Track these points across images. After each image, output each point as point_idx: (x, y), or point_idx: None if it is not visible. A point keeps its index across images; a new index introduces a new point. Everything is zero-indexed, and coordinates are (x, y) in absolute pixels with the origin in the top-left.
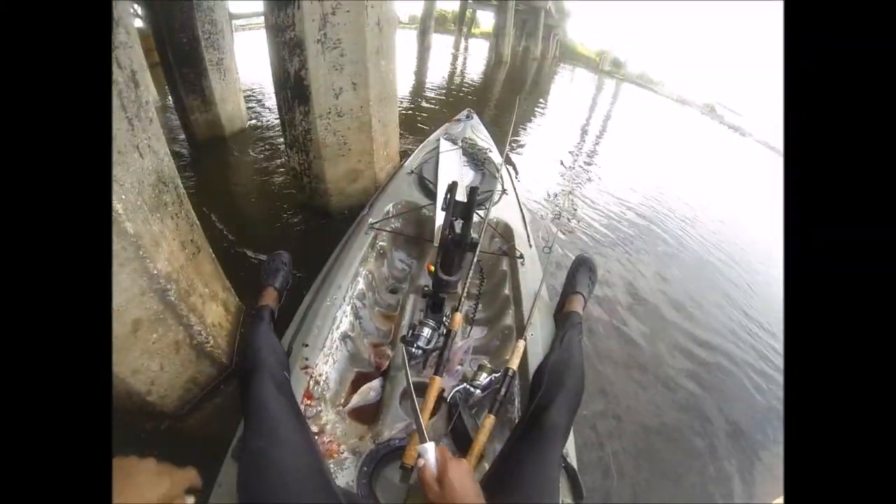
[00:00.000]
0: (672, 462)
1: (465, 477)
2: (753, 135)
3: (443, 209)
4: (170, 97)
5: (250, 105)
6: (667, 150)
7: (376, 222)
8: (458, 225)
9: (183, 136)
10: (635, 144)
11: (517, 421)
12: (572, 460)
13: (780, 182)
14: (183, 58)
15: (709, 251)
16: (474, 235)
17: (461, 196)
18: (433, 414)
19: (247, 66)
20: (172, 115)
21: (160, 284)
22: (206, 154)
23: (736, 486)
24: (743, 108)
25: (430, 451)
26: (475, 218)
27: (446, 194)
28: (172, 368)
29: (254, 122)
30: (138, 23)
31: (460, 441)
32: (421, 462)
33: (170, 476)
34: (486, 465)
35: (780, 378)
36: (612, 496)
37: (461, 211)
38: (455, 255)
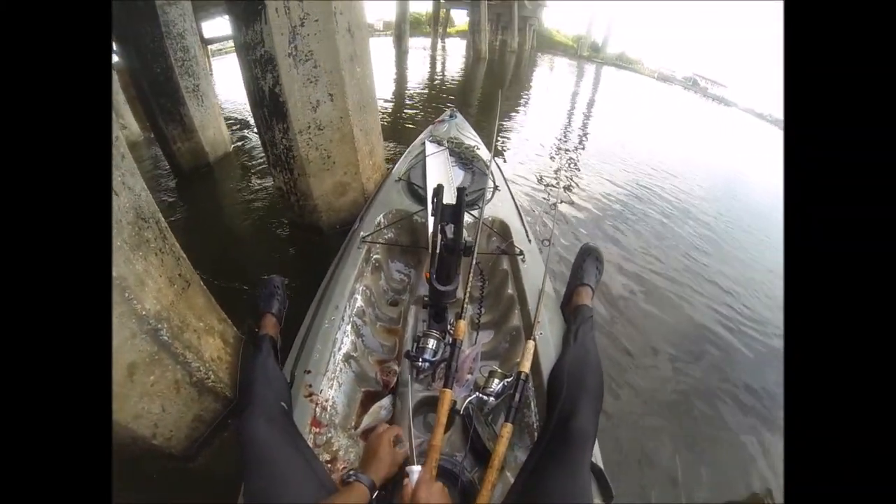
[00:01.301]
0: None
1: (433, 496)
2: (738, 104)
3: (433, 215)
4: (151, 131)
5: (236, 128)
6: (653, 126)
7: (368, 235)
8: (450, 230)
9: (168, 168)
10: (621, 125)
11: (537, 427)
12: (597, 459)
13: (767, 146)
14: (159, 88)
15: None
16: (468, 238)
17: (449, 198)
18: (447, 428)
19: (228, 89)
20: (157, 148)
21: (150, 325)
22: (193, 183)
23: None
24: (725, 78)
25: (414, 473)
26: (469, 219)
27: (433, 199)
28: (175, 409)
29: (238, 144)
30: (115, 58)
31: (479, 454)
32: (406, 483)
33: None
34: (509, 475)
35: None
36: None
37: (450, 214)
38: (451, 262)
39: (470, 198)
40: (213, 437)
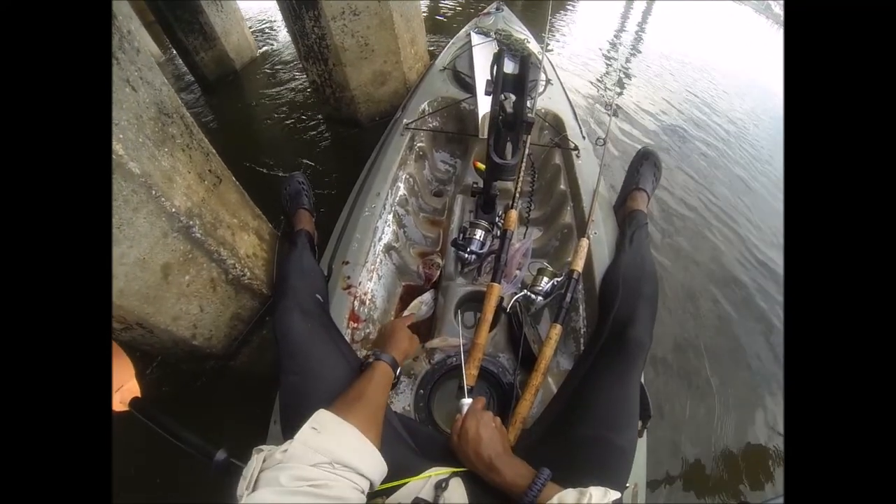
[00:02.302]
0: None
1: (482, 428)
2: None
3: (487, 93)
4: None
5: (261, 33)
6: (717, 48)
7: (412, 122)
8: (509, 103)
9: (192, 79)
10: (682, 40)
11: (584, 333)
12: None
13: None
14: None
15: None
16: (528, 115)
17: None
18: (493, 326)
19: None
20: (180, 64)
21: (182, 222)
22: (220, 92)
23: None
24: None
25: (464, 405)
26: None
27: (492, 66)
28: (212, 308)
29: (265, 48)
30: None
31: (524, 356)
32: (458, 417)
33: None
34: (550, 381)
35: None
36: None
37: (513, 83)
38: (508, 137)
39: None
40: (251, 335)
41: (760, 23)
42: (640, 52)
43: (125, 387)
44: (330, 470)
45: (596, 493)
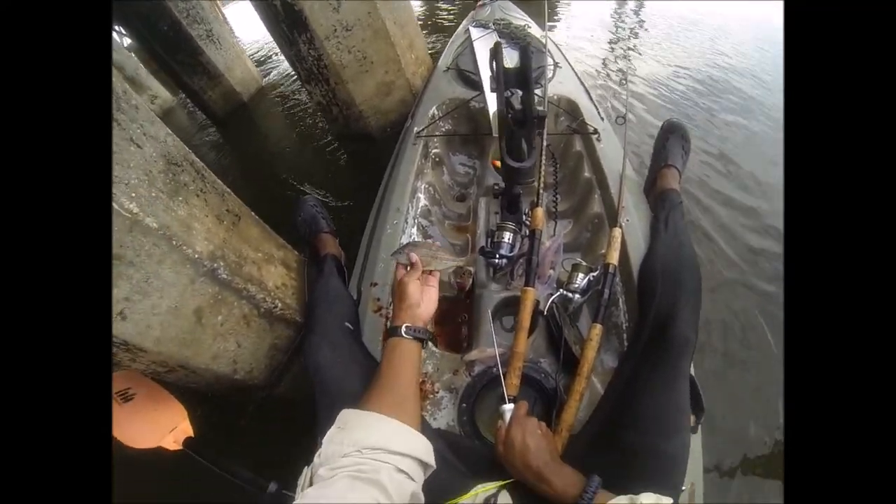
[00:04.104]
0: None
1: (528, 437)
2: None
3: (492, 90)
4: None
5: (264, 61)
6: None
7: (422, 129)
8: (517, 99)
9: (205, 119)
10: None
11: (626, 328)
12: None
13: None
14: (171, 45)
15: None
16: (539, 108)
17: (510, 62)
18: (531, 332)
19: (249, 31)
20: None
21: (206, 266)
22: (232, 125)
23: None
24: None
25: (507, 412)
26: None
27: (490, 63)
28: (249, 342)
29: (269, 77)
30: (126, 41)
31: (566, 358)
32: (500, 424)
33: None
34: (596, 382)
35: None
36: None
37: (516, 78)
38: (521, 136)
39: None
40: (291, 363)
41: None
42: (643, 18)
43: (178, 427)
44: (359, 457)
45: (647, 499)
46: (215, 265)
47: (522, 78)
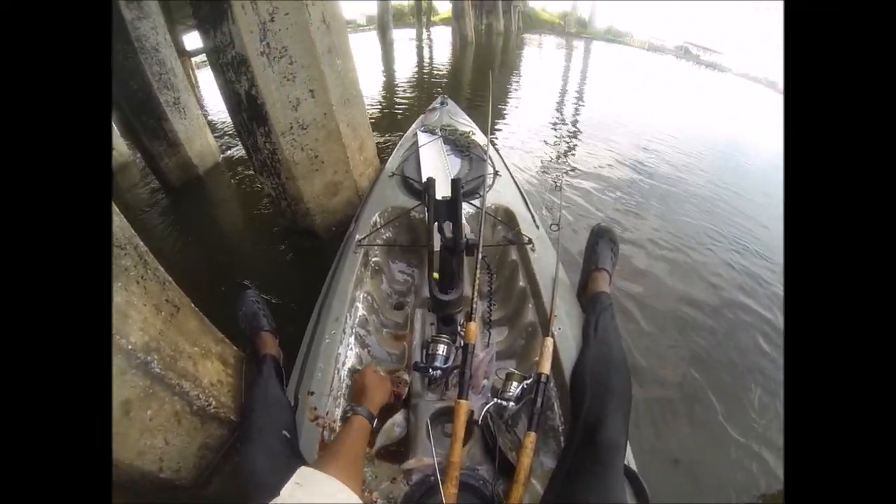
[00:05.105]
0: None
1: None
2: (732, 69)
3: (427, 212)
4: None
5: (227, 137)
6: (648, 97)
7: (364, 238)
8: (448, 227)
9: (157, 185)
10: (615, 99)
11: (563, 431)
12: (629, 461)
13: (764, 109)
14: (139, 106)
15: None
16: (470, 235)
17: (445, 192)
18: (466, 441)
19: (217, 99)
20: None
21: (140, 358)
22: (184, 197)
23: None
24: (718, 45)
25: None
26: (470, 209)
27: (423, 196)
28: (178, 440)
29: (228, 153)
30: None
31: (503, 465)
32: None
33: None
34: (536, 483)
35: None
36: None
37: (446, 211)
38: (453, 263)
39: (469, 186)
40: (223, 463)
41: (682, 67)
42: (581, 123)
43: None
44: None
45: None
46: (149, 358)
47: (452, 212)
